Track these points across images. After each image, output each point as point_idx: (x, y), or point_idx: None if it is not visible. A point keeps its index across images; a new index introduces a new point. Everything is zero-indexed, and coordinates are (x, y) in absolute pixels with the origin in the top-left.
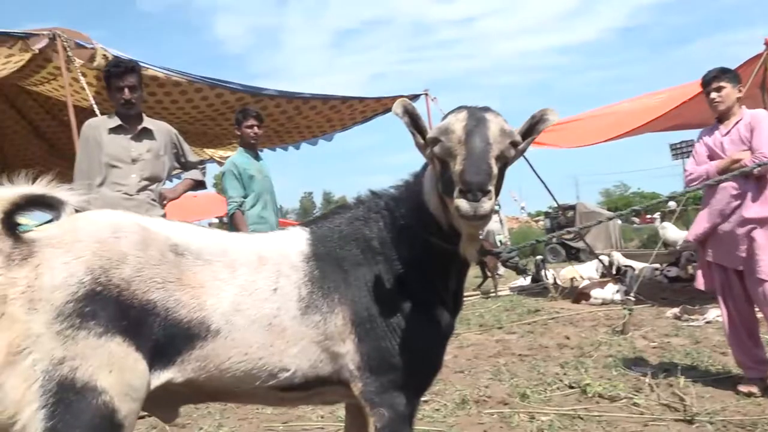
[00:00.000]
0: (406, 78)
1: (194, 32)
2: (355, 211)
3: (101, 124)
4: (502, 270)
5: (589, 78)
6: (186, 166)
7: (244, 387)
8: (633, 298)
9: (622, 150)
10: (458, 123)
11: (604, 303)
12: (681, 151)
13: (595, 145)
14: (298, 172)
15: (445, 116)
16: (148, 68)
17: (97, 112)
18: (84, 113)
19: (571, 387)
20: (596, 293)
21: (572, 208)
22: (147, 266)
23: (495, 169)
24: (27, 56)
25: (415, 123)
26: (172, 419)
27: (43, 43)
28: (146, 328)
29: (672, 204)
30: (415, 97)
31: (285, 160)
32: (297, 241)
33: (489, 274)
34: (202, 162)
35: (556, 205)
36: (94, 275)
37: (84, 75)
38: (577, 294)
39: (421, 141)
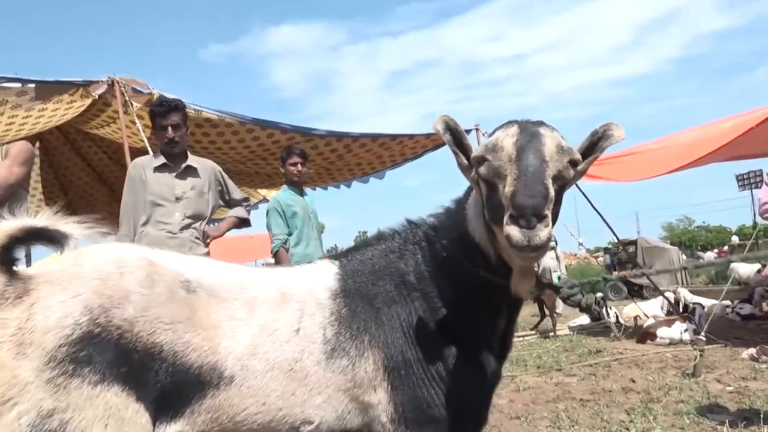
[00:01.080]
0: (458, 116)
1: (253, 79)
2: (390, 243)
3: (146, 163)
4: (560, 308)
5: (647, 110)
6: (230, 203)
7: None
8: (704, 338)
9: (685, 182)
10: (508, 139)
11: (672, 343)
12: (748, 181)
13: (656, 177)
14: (353, 211)
15: (493, 132)
16: (201, 111)
17: (150, 152)
18: (139, 154)
19: None
20: (663, 332)
21: (633, 243)
22: (153, 305)
23: (552, 191)
24: (87, 102)
25: (458, 141)
26: None
27: (102, 89)
28: (150, 374)
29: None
30: (466, 132)
31: (340, 198)
32: (324, 275)
33: (547, 312)
34: (246, 199)
35: (616, 241)
36: (93, 315)
37: (141, 117)
38: (642, 333)
39: (465, 162)
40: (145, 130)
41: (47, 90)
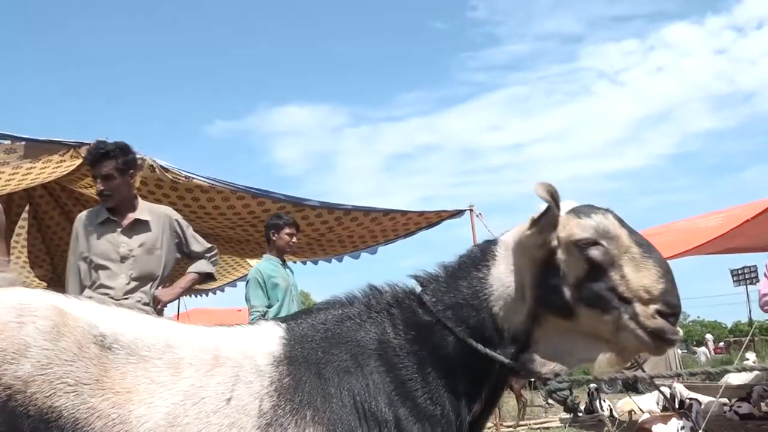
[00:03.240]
0: (455, 200)
1: (256, 155)
2: (348, 309)
3: (89, 218)
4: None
5: (641, 203)
6: (190, 256)
7: None
8: None
9: (680, 276)
10: (618, 228)
11: None
12: (743, 277)
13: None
14: (343, 288)
15: (584, 214)
16: (192, 178)
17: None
18: None
19: None
20: (658, 429)
21: None
22: (56, 362)
23: None
24: (77, 162)
25: (553, 216)
26: None
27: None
28: None
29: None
30: (459, 213)
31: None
32: (267, 339)
33: (515, 395)
34: (211, 250)
35: None
36: None
37: None
38: (637, 429)
39: (533, 236)
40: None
41: (37, 149)
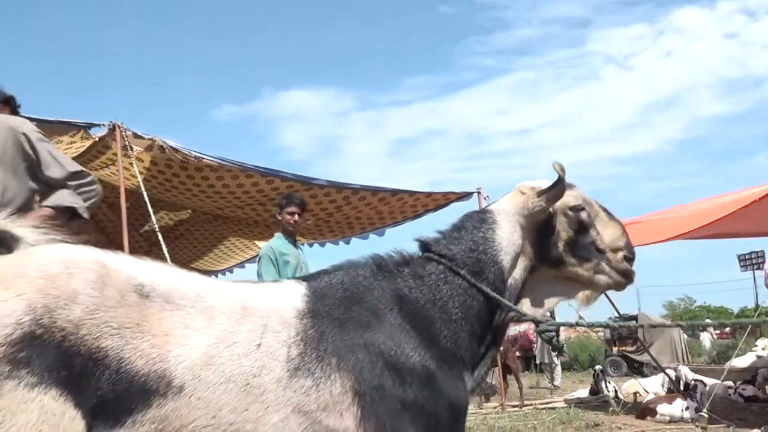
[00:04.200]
0: (463, 184)
1: (262, 140)
2: (363, 270)
3: None
4: (558, 380)
5: (648, 188)
6: (48, 183)
7: None
8: (706, 415)
9: (686, 261)
10: (590, 198)
11: (672, 420)
12: (750, 262)
13: (659, 244)
14: None
15: (557, 185)
16: (203, 158)
17: (144, 194)
18: (133, 197)
19: None
20: (663, 409)
21: (634, 318)
22: (102, 308)
23: None
24: (87, 143)
25: (561, 188)
26: None
27: (102, 131)
28: (92, 380)
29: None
30: (467, 195)
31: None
32: (291, 294)
33: (514, 377)
34: (78, 176)
35: (616, 315)
36: (36, 315)
37: (141, 160)
38: (642, 409)
39: (542, 204)
40: (144, 173)
41: (48, 129)
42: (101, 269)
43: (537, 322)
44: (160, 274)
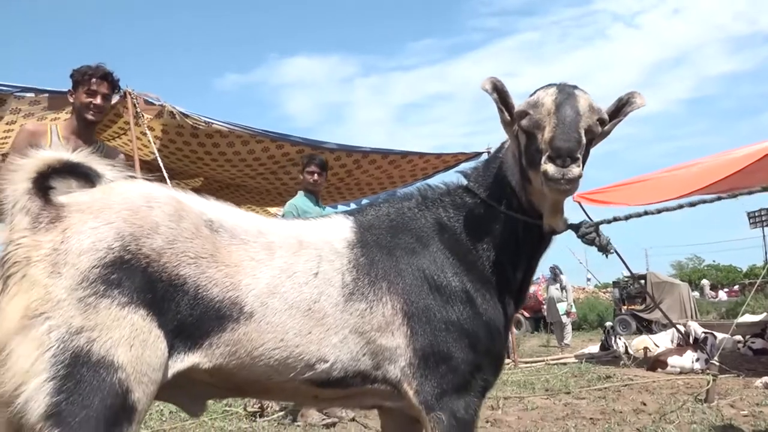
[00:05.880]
0: (469, 148)
1: (267, 108)
2: (406, 203)
3: None
4: (569, 338)
5: (658, 149)
6: None
7: (277, 378)
8: (717, 363)
9: (695, 221)
10: (548, 96)
11: (683, 372)
12: (760, 219)
13: (668, 203)
14: None
15: (534, 92)
16: (212, 123)
17: (161, 164)
18: (148, 166)
19: None
20: (674, 361)
21: (643, 277)
22: (180, 239)
23: (584, 139)
24: None
25: (503, 100)
26: (198, 413)
27: (114, 99)
28: (172, 305)
29: None
30: (477, 155)
31: None
32: (340, 228)
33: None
34: None
35: (625, 275)
36: (124, 242)
37: (151, 128)
38: (653, 361)
39: (508, 118)
40: (156, 142)
41: (60, 100)
42: (177, 204)
43: (576, 228)
44: (224, 212)
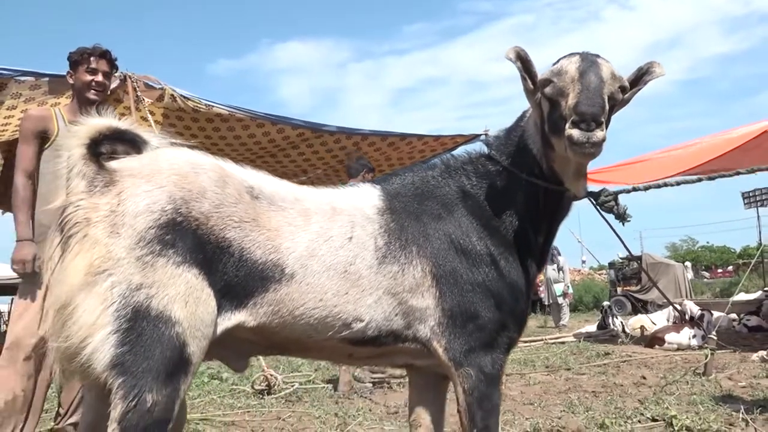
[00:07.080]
0: (463, 132)
1: (260, 94)
2: (430, 172)
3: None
4: (566, 319)
5: (652, 130)
6: None
7: (316, 337)
8: (714, 338)
9: (689, 203)
10: (572, 65)
11: (680, 348)
12: (754, 199)
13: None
14: None
15: (557, 62)
16: (212, 106)
17: None
18: None
19: (654, 420)
20: (671, 338)
21: (638, 259)
22: (225, 204)
23: (607, 105)
24: None
25: (527, 68)
26: (241, 369)
27: (114, 83)
28: (219, 266)
29: None
30: (475, 137)
31: None
32: (369, 195)
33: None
34: None
35: (621, 256)
36: (176, 205)
37: (152, 113)
38: (651, 338)
39: (531, 86)
40: (157, 127)
41: (60, 84)
42: (221, 171)
43: (596, 195)
44: (263, 180)
